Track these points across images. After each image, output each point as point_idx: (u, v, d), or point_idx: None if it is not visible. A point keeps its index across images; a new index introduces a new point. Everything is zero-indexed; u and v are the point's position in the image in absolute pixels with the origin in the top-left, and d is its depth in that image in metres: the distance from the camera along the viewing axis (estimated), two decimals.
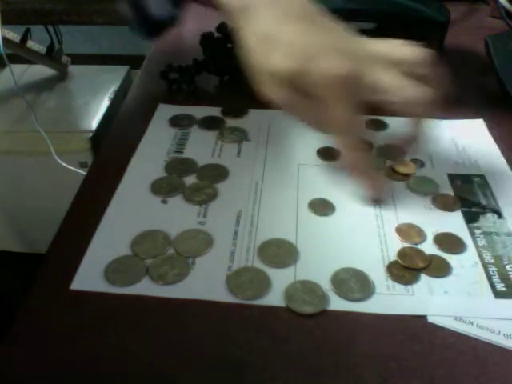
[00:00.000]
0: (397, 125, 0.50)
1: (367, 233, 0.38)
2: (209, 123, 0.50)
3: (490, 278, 0.35)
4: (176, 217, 0.39)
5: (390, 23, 0.57)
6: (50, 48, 1.20)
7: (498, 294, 0.34)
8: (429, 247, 0.37)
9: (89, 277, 0.34)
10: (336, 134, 0.39)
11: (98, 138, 1.08)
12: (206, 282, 0.34)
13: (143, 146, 0.47)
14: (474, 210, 0.40)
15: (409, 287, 0.34)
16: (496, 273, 0.35)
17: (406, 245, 0.37)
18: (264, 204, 0.41)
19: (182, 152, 0.46)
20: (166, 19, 0.49)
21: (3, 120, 1.13)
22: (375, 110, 0.42)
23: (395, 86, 0.38)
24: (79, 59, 1.32)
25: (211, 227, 0.38)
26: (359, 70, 0.37)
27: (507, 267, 0.35)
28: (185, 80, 0.55)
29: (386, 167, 0.44)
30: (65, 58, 1.26)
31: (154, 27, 0.49)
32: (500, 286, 0.34)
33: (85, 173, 0.46)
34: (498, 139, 0.48)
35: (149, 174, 0.43)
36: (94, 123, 1.11)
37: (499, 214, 0.40)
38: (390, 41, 0.40)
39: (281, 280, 0.34)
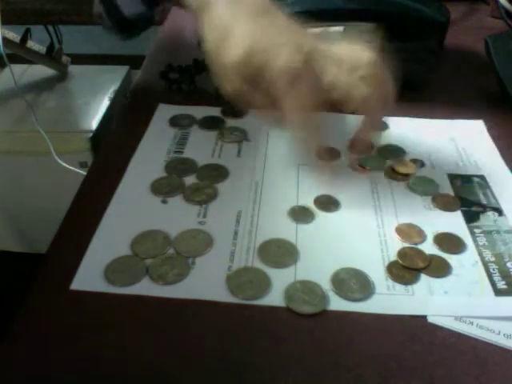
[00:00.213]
0: (397, 125, 0.50)
1: (367, 233, 0.38)
2: (209, 123, 0.50)
3: (490, 276, 0.35)
4: (176, 217, 0.39)
5: (390, 23, 0.57)
6: (50, 48, 1.20)
7: (498, 292, 0.34)
8: (429, 247, 0.37)
9: (89, 277, 0.34)
10: (291, 128, 0.39)
11: (98, 138, 1.08)
12: (205, 282, 0.34)
13: (143, 145, 0.47)
14: (473, 209, 0.40)
15: (409, 287, 0.34)
16: (497, 271, 0.35)
17: (406, 245, 0.37)
18: (264, 204, 0.41)
19: (182, 152, 0.46)
20: (139, 18, 0.49)
21: (3, 120, 1.13)
22: None
23: (349, 85, 0.38)
24: (79, 59, 1.32)
25: (211, 227, 0.38)
26: (313, 66, 0.38)
27: (508, 264, 0.35)
28: (185, 80, 0.55)
29: (386, 167, 0.44)
30: (65, 58, 1.26)
31: (126, 26, 0.50)
32: (501, 284, 0.34)
33: (85, 173, 0.46)
34: (498, 139, 0.48)
35: (149, 174, 0.43)
36: (94, 123, 1.10)
37: (499, 212, 0.40)
38: (348, 44, 0.40)
39: (281, 280, 0.34)
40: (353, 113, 0.40)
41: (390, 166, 0.45)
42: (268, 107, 0.39)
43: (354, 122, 0.50)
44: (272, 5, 0.40)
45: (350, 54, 0.40)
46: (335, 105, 0.39)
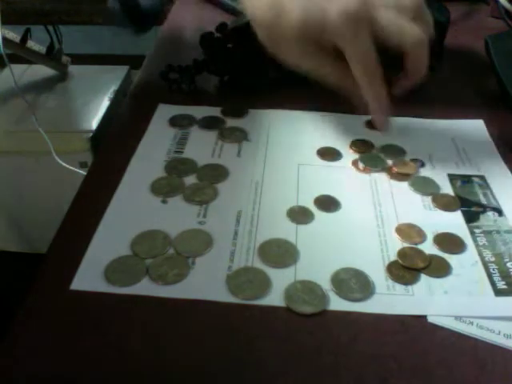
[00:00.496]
0: (397, 125, 0.50)
1: (367, 233, 0.38)
2: (209, 123, 0.50)
3: (490, 276, 0.35)
4: (176, 217, 0.39)
5: None
6: (50, 48, 1.20)
7: (498, 292, 0.34)
8: (429, 247, 0.37)
9: (89, 277, 0.34)
10: (360, 71, 0.40)
11: (98, 138, 1.08)
12: (206, 282, 0.34)
13: (143, 146, 0.47)
14: (473, 209, 0.40)
15: (409, 287, 0.34)
16: (497, 271, 0.35)
17: (406, 245, 0.37)
18: (264, 204, 0.41)
19: (181, 152, 0.46)
20: (152, 9, 0.49)
21: (3, 120, 1.13)
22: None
23: (401, 28, 0.40)
24: (79, 59, 1.32)
25: (211, 227, 0.38)
26: (368, 10, 0.39)
27: (508, 264, 0.35)
28: (185, 80, 0.55)
29: (386, 167, 0.44)
30: (65, 58, 1.26)
31: (140, 18, 0.50)
32: (501, 284, 0.34)
33: (85, 173, 0.46)
34: (498, 139, 0.48)
35: (149, 174, 0.43)
36: (94, 123, 1.11)
37: (499, 212, 0.40)
38: None
39: (281, 280, 0.34)
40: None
41: (390, 166, 0.45)
42: (334, 71, 0.41)
43: (354, 122, 0.50)
44: None
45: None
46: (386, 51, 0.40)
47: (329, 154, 0.46)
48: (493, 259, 0.36)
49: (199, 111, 0.52)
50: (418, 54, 0.41)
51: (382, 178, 0.44)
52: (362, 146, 0.47)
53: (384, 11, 0.40)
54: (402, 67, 0.42)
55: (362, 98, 0.42)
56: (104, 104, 1.17)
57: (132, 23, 0.50)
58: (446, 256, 0.36)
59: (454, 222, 0.39)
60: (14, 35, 1.10)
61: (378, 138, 0.48)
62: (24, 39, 1.12)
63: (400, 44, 0.40)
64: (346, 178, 0.43)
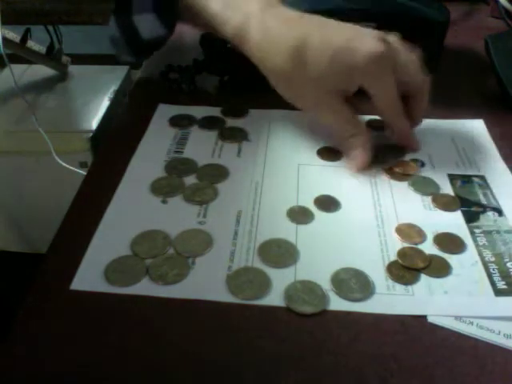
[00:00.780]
0: None
1: (367, 233, 0.38)
2: (209, 123, 0.50)
3: (490, 276, 0.35)
4: (176, 217, 0.39)
5: (390, 23, 0.57)
6: (50, 48, 1.20)
7: (498, 292, 0.34)
8: (429, 247, 0.37)
9: (89, 277, 0.34)
10: (386, 106, 0.43)
11: (98, 138, 1.08)
12: (206, 282, 0.34)
13: (143, 146, 0.47)
14: (473, 209, 0.40)
15: (409, 287, 0.34)
16: (497, 271, 0.35)
17: (406, 245, 0.37)
18: (264, 204, 0.41)
19: (181, 152, 0.46)
20: (156, 41, 0.49)
21: (3, 120, 1.13)
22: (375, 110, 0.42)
23: (416, 70, 0.42)
24: (79, 59, 1.32)
25: (211, 227, 0.38)
26: (392, 51, 0.41)
27: (508, 264, 0.35)
28: (185, 80, 0.55)
29: (386, 167, 0.44)
30: (65, 58, 1.26)
31: (143, 49, 0.50)
32: (501, 284, 0.34)
33: (85, 173, 0.46)
34: (498, 139, 0.48)
35: (149, 174, 0.43)
36: (94, 123, 1.10)
37: (499, 212, 0.40)
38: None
39: (281, 280, 0.34)
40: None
41: (390, 166, 0.45)
42: (346, 123, 0.44)
43: None
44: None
45: (402, 44, 0.43)
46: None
47: (329, 154, 0.46)
48: (493, 259, 0.36)
49: (199, 111, 0.52)
50: (424, 93, 0.44)
51: (382, 178, 0.44)
52: None
53: (401, 55, 0.42)
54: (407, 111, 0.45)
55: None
56: (104, 104, 1.17)
57: (133, 52, 0.50)
58: (446, 256, 0.36)
59: (454, 222, 0.39)
60: (14, 35, 1.09)
61: (377, 138, 0.48)
62: (24, 39, 1.11)
63: (411, 82, 0.43)
64: (346, 178, 0.43)
